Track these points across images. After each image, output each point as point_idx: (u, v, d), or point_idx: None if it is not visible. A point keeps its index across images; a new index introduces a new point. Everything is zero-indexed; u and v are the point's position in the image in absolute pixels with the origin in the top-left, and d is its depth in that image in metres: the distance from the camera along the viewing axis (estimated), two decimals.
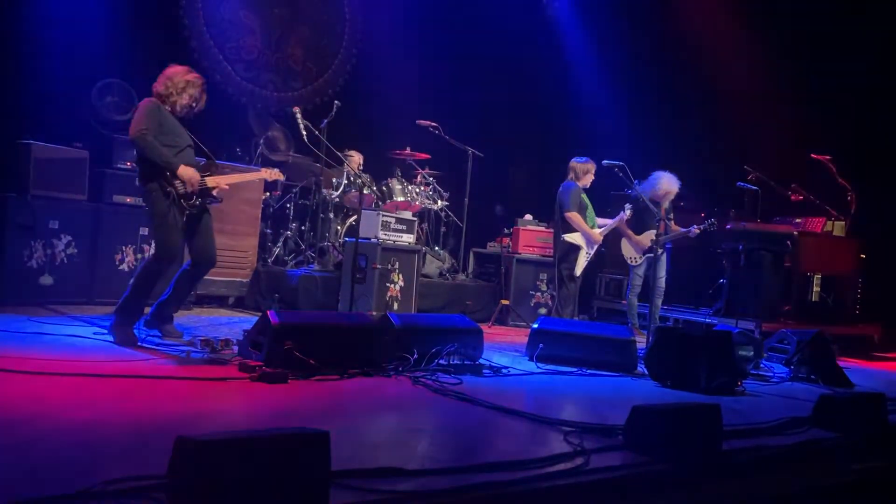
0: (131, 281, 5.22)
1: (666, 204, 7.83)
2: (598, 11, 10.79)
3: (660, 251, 7.59)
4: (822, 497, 3.66)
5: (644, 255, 7.80)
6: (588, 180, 7.65)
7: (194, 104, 5.33)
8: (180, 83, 5.25)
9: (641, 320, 7.93)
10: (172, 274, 5.42)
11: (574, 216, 7.48)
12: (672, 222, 7.92)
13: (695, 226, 7.70)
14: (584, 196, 7.61)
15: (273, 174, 5.96)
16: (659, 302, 7.83)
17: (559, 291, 7.74)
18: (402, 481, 2.70)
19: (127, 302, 5.13)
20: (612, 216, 8.01)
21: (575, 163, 7.68)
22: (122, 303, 5.14)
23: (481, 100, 10.42)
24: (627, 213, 7.62)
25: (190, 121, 5.49)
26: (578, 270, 7.54)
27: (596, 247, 7.64)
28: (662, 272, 7.79)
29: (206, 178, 5.27)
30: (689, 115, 10.17)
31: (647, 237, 7.66)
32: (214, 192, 5.34)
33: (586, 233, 7.51)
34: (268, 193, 8.18)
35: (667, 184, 7.74)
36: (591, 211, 7.66)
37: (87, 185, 6.79)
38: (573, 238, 7.52)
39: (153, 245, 5.25)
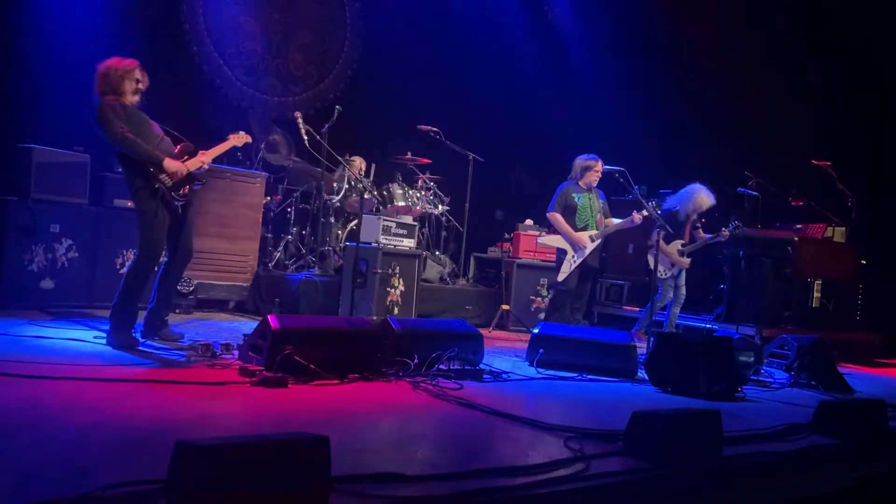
0: (120, 285, 5.18)
1: (694, 217, 7.64)
2: (599, 17, 10.81)
3: (687, 262, 7.50)
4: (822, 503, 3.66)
5: (672, 267, 7.53)
6: (590, 178, 7.14)
7: (139, 85, 5.17)
8: (116, 75, 5.09)
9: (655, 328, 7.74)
10: (154, 279, 5.41)
11: (554, 217, 7.04)
12: (700, 230, 7.75)
13: (724, 229, 7.51)
14: (576, 195, 7.10)
15: (240, 138, 5.79)
16: (677, 310, 7.74)
17: (550, 298, 7.61)
18: (401, 487, 2.69)
19: (118, 307, 5.11)
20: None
21: (577, 160, 7.23)
22: (114, 308, 5.13)
23: (482, 105, 10.44)
24: (643, 212, 7.06)
25: (191, 124, 5.49)
26: (561, 277, 7.04)
27: (585, 252, 7.03)
28: (683, 281, 7.65)
29: (187, 163, 5.22)
30: (691, 119, 10.18)
31: (674, 248, 7.46)
32: (199, 174, 5.29)
33: (568, 235, 7.00)
34: (268, 198, 8.19)
35: (704, 198, 7.52)
36: (584, 211, 7.11)
37: (87, 189, 6.80)
38: (551, 241, 7.13)
39: (139, 245, 5.17)
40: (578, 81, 10.86)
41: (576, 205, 7.09)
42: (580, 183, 7.16)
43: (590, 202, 7.19)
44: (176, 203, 5.18)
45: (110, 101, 5.07)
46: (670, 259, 7.51)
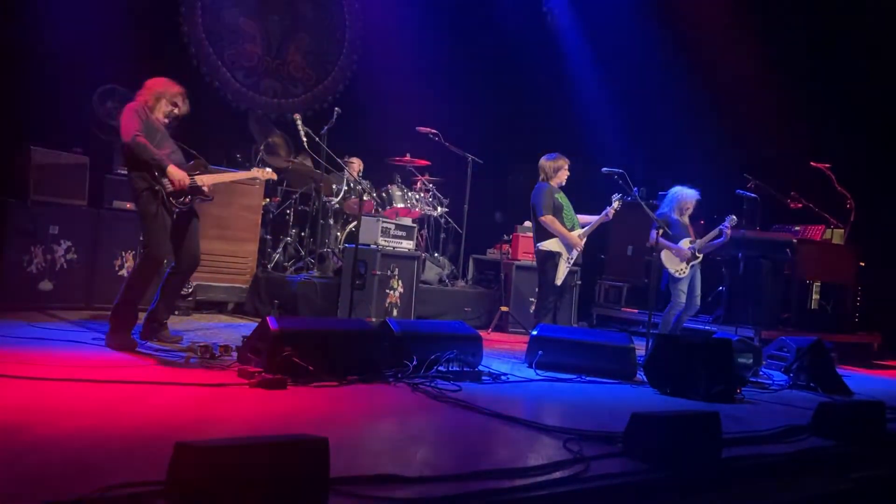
0: (123, 286, 5.19)
1: (686, 218, 7.59)
2: (598, 19, 10.82)
3: (700, 257, 7.39)
4: None
5: (688, 263, 7.37)
6: (562, 178, 7.01)
7: (176, 110, 5.32)
8: (157, 94, 5.25)
9: None
10: (158, 281, 5.42)
11: (549, 220, 6.84)
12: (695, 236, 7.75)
13: (724, 225, 7.42)
14: (558, 196, 6.97)
15: (265, 173, 5.92)
16: (686, 318, 7.63)
17: (537, 301, 7.25)
18: (400, 488, 2.69)
19: (119, 307, 5.11)
20: (617, 223, 7.84)
21: (544, 161, 7.06)
22: (115, 308, 5.13)
23: (481, 106, 10.45)
24: (615, 205, 6.98)
25: (190, 127, 5.49)
26: (559, 280, 6.88)
27: (578, 251, 6.95)
28: (699, 291, 7.52)
29: (195, 177, 5.26)
30: (690, 122, 10.19)
31: (685, 244, 7.37)
32: (205, 190, 5.33)
33: (564, 237, 6.85)
34: (267, 199, 8.19)
35: (686, 195, 7.50)
36: (569, 211, 7.01)
37: (87, 191, 6.80)
38: (549, 245, 6.88)
39: (143, 247, 5.21)
40: (578, 82, 10.87)
41: (561, 205, 6.99)
42: (553, 183, 7.02)
43: (567, 201, 7.10)
44: (175, 209, 5.18)
45: (137, 105, 5.17)
46: (682, 253, 7.32)
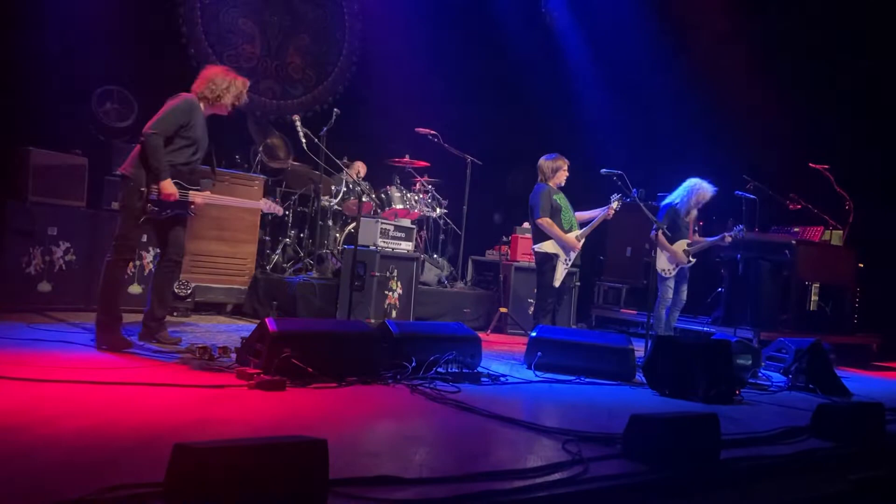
0: (99, 287, 5.19)
1: (694, 213, 7.64)
2: (597, 19, 10.83)
3: (692, 261, 7.43)
4: None
5: (677, 266, 7.42)
6: (560, 178, 6.99)
7: (237, 102, 5.42)
8: (223, 84, 5.31)
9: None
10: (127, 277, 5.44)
11: (545, 222, 6.81)
12: (697, 234, 7.74)
13: (726, 233, 7.47)
14: (557, 197, 6.95)
15: (270, 206, 5.97)
16: (676, 314, 7.67)
17: (536, 302, 7.19)
18: (399, 490, 2.69)
19: (102, 306, 5.12)
20: (616, 225, 7.83)
21: (543, 161, 7.03)
22: (98, 309, 5.13)
23: (480, 107, 10.45)
24: (614, 205, 6.91)
25: None
26: (557, 282, 6.86)
27: (575, 253, 6.91)
28: (685, 286, 7.58)
29: (189, 192, 5.25)
30: (689, 123, 10.19)
31: (681, 247, 7.40)
32: (191, 208, 5.33)
33: (560, 239, 6.83)
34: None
35: (705, 190, 7.50)
36: (567, 212, 6.98)
37: (85, 192, 6.80)
38: (545, 247, 6.86)
39: (113, 238, 5.22)
40: (577, 83, 10.88)
41: (560, 206, 6.96)
42: (551, 184, 7.01)
43: (566, 202, 7.07)
44: (144, 217, 5.15)
45: (188, 101, 5.20)
46: (676, 257, 7.41)
